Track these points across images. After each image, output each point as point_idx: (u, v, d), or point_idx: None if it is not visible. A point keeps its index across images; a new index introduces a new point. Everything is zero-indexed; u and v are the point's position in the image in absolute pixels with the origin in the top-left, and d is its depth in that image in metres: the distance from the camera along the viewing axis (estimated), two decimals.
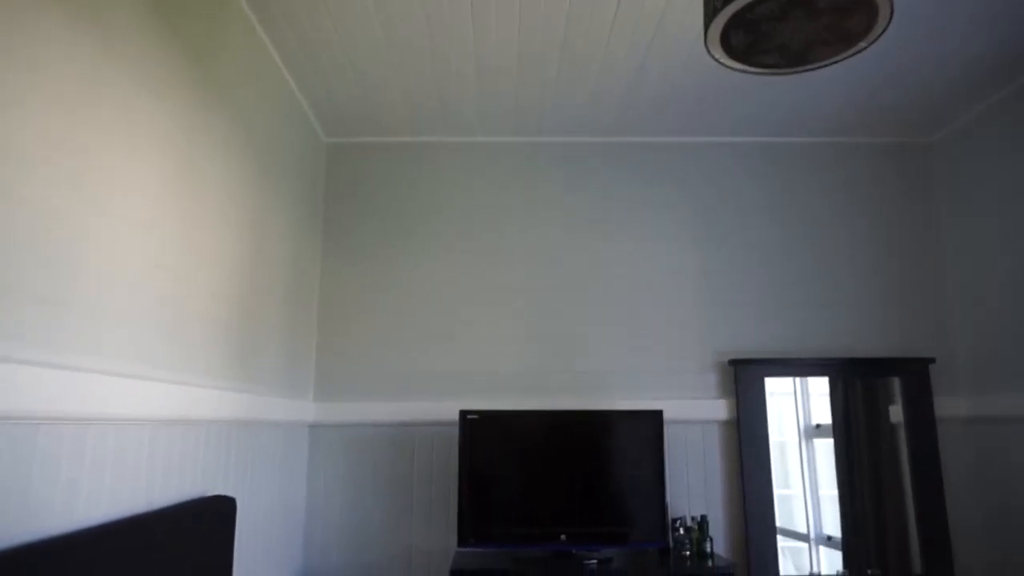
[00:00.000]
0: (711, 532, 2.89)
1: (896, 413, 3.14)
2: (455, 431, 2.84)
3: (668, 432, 2.94)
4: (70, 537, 1.29)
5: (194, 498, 1.88)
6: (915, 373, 3.15)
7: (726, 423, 3.15)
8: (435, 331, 3.21)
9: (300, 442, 3.02)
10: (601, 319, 3.24)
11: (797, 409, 3.21)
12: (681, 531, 2.85)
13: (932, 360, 3.15)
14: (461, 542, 2.74)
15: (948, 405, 3.14)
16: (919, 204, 3.38)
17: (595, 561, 2.70)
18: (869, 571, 2.97)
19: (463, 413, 2.84)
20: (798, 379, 3.22)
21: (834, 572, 3.01)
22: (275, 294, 2.67)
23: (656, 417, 2.89)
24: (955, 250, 3.29)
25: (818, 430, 3.18)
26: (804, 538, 3.11)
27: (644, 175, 3.38)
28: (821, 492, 3.13)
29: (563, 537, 2.76)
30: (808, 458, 3.17)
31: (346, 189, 3.35)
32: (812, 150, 3.42)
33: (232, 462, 2.24)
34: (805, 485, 3.15)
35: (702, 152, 3.41)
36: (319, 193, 3.30)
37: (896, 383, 3.17)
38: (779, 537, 3.04)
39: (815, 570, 3.03)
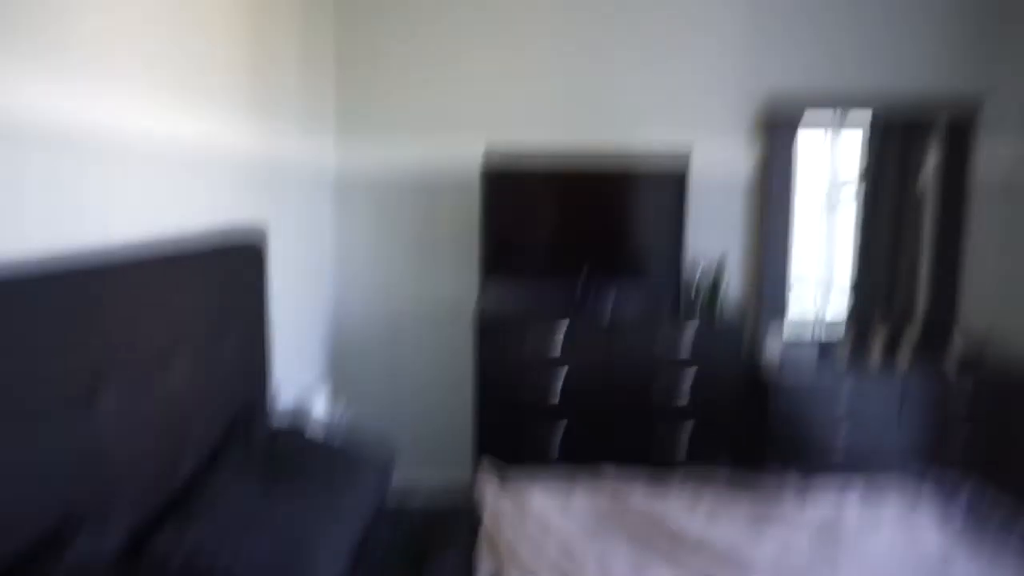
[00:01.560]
0: (727, 274, 2.95)
1: (932, 158, 3.01)
2: (478, 175, 2.80)
3: (696, 174, 2.86)
4: (112, 252, 1.32)
5: (227, 227, 1.91)
6: (960, 118, 2.96)
7: (754, 168, 3.06)
8: (458, 65, 3.04)
9: (325, 190, 3.01)
10: (633, 49, 3.02)
11: (827, 165, 3.09)
12: (698, 273, 2.91)
13: (981, 102, 2.94)
14: (485, 275, 2.81)
15: (992, 149, 2.99)
16: None
17: (610, 308, 2.79)
18: (875, 309, 3.06)
19: (486, 155, 2.77)
20: (830, 134, 3.06)
21: (840, 317, 3.11)
22: (290, 22, 2.49)
23: (682, 159, 2.81)
24: None
25: (843, 188, 3.10)
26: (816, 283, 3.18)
27: None
28: (838, 242, 3.13)
29: (585, 270, 2.83)
30: (829, 213, 3.13)
31: None
32: None
33: (260, 200, 2.25)
34: (825, 235, 3.14)
35: None
36: None
37: (937, 129, 2.99)
38: (791, 283, 3.10)
39: (821, 313, 3.13)
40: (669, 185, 2.83)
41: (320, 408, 2.33)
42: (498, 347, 2.69)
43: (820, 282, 3.17)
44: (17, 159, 1.16)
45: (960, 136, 2.97)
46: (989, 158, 3.01)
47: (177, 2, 1.69)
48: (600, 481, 2.03)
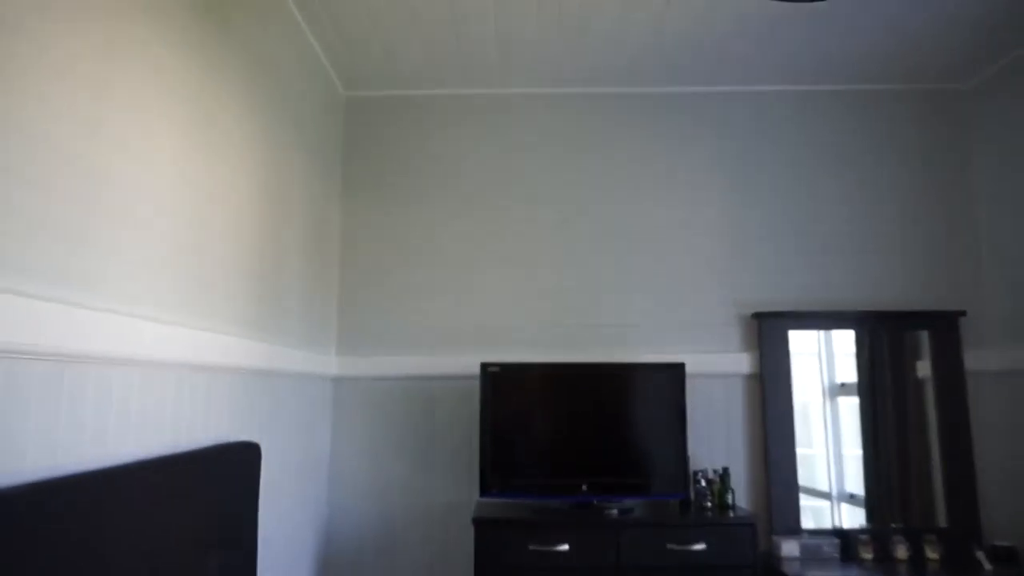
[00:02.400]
0: (733, 485, 2.88)
1: (924, 368, 3.09)
2: (476, 384, 2.85)
3: (690, 385, 2.92)
4: (99, 473, 1.31)
5: (220, 443, 1.91)
6: (945, 326, 3.09)
7: (749, 377, 3.12)
8: (456, 284, 3.21)
9: (324, 395, 3.05)
10: (623, 271, 3.20)
11: (821, 367, 3.16)
12: (703, 483, 2.85)
13: (963, 313, 3.08)
14: (483, 491, 2.76)
15: (978, 359, 3.08)
16: (952, 152, 3.27)
17: (616, 511, 2.71)
18: (893, 525, 2.96)
19: (484, 366, 2.84)
20: (822, 337, 3.17)
21: (856, 527, 2.99)
22: (296, 247, 2.68)
23: (678, 370, 2.86)
24: (988, 200, 3.19)
25: (842, 389, 3.14)
26: (826, 496, 3.09)
27: (668, 126, 3.31)
28: (844, 451, 3.10)
29: (584, 488, 2.77)
30: (832, 416, 3.14)
31: (365, 143, 3.33)
32: (841, 98, 3.31)
33: (256, 411, 2.27)
34: (828, 443, 3.12)
35: (728, 101, 3.32)
36: (338, 147, 3.29)
37: (924, 337, 3.11)
38: (801, 495, 3.03)
39: (838, 526, 3.02)
40: (667, 392, 2.85)
41: None
42: (499, 557, 2.55)
43: (832, 490, 3.08)
44: (17, 377, 1.19)
45: (947, 343, 3.07)
46: (980, 361, 3.08)
47: (197, 236, 1.85)
48: None
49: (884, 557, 2.80)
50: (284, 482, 2.52)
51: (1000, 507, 2.97)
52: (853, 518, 3.04)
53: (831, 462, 3.11)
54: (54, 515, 1.14)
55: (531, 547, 2.56)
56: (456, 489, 3.04)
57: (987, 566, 2.67)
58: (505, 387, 2.85)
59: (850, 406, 3.11)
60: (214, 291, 1.95)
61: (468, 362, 3.01)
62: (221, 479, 1.80)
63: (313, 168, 2.89)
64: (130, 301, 1.52)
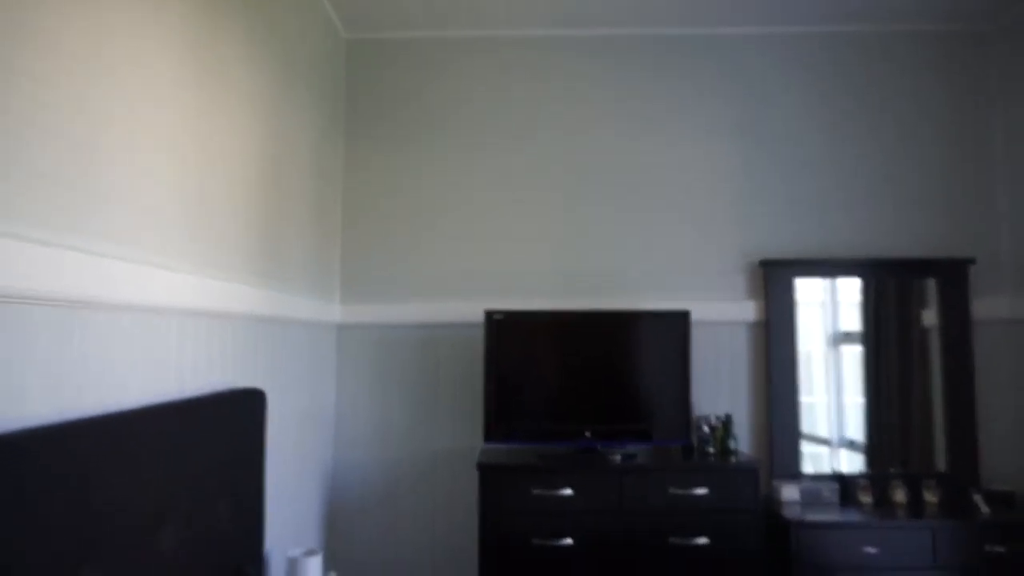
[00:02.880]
0: (735, 432, 2.91)
1: (930, 316, 3.08)
2: (480, 332, 2.85)
3: (695, 332, 2.91)
4: (105, 418, 1.31)
5: (225, 389, 1.92)
6: (953, 274, 3.06)
7: (754, 324, 3.11)
8: (460, 231, 3.18)
9: (328, 342, 3.06)
10: (631, 218, 3.17)
11: (825, 316, 3.15)
12: (705, 429, 2.87)
13: (972, 260, 3.05)
14: (488, 438, 2.79)
15: (987, 307, 3.06)
16: (971, 97, 3.18)
17: (619, 456, 2.74)
18: (892, 470, 2.99)
19: (488, 313, 2.84)
20: (828, 286, 3.14)
21: (856, 472, 3.03)
22: (298, 193, 2.64)
23: (683, 317, 2.86)
24: (1006, 146, 3.12)
25: (846, 337, 3.13)
26: (826, 443, 3.12)
27: (679, 69, 3.22)
28: (845, 399, 3.12)
29: (588, 434, 2.79)
30: (834, 364, 3.14)
31: (368, 87, 3.25)
32: (858, 40, 3.21)
33: (261, 358, 2.27)
34: (830, 391, 3.13)
35: (740, 44, 3.22)
36: (341, 91, 3.21)
37: (932, 285, 3.08)
38: (803, 442, 3.05)
39: (836, 467, 3.05)
40: (671, 340, 2.85)
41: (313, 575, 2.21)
42: (503, 501, 2.60)
43: (832, 436, 3.10)
44: (24, 323, 1.19)
45: (955, 291, 3.05)
46: (987, 309, 3.06)
47: (203, 181, 1.82)
48: None
49: (883, 501, 2.84)
50: (290, 429, 2.55)
51: (1000, 454, 3.00)
52: (852, 464, 3.07)
53: (832, 409, 3.13)
54: (59, 460, 1.14)
55: (535, 492, 2.60)
56: (461, 436, 3.07)
57: (984, 509, 2.70)
58: (509, 334, 2.85)
59: (853, 355, 3.11)
60: (218, 238, 1.93)
61: (473, 309, 3.01)
62: (227, 425, 1.81)
63: (315, 112, 2.83)
64: (135, 247, 1.50)
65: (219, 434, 1.76)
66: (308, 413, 2.79)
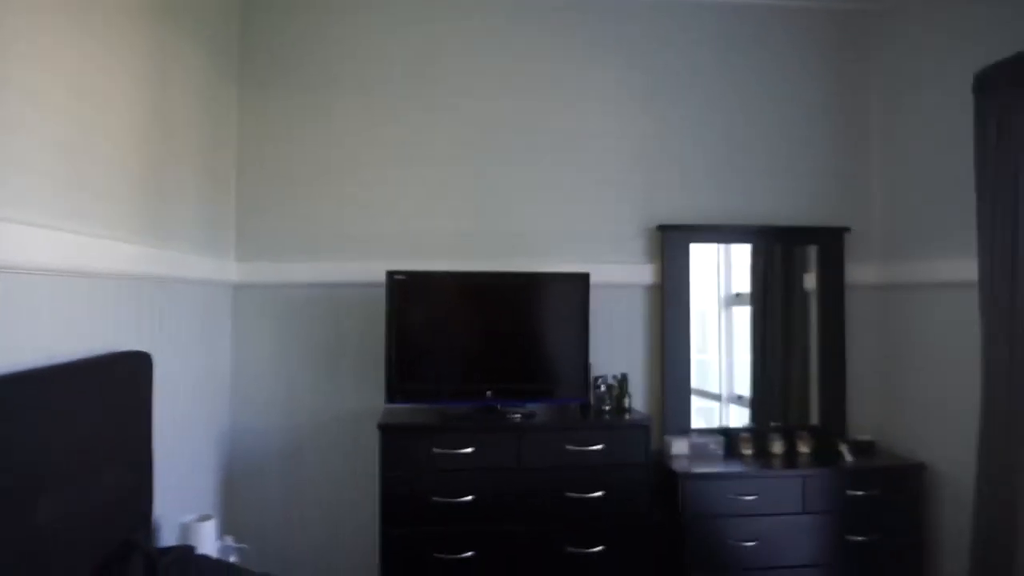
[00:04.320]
0: (631, 390, 3.03)
1: (810, 280, 3.29)
2: (382, 292, 2.81)
3: (595, 294, 2.98)
4: None
5: (105, 353, 1.82)
6: (831, 241, 3.27)
7: (650, 287, 3.23)
8: (363, 188, 3.11)
9: (223, 302, 2.95)
10: (532, 180, 3.19)
11: (719, 278, 3.31)
12: (602, 388, 2.98)
13: (847, 229, 3.27)
14: (389, 399, 2.79)
15: (859, 273, 3.29)
16: (853, 74, 3.37)
17: (519, 415, 2.81)
18: (772, 423, 3.21)
19: (390, 273, 2.81)
20: (721, 249, 3.30)
21: (741, 426, 3.23)
22: (188, 145, 2.50)
23: (583, 279, 2.93)
24: (880, 123, 3.33)
25: (737, 299, 3.30)
26: (717, 398, 3.31)
27: (582, 33, 3.23)
28: (736, 357, 3.30)
29: (489, 393, 2.84)
30: (726, 324, 3.32)
31: (265, 35, 3.09)
32: (755, 13, 3.32)
33: (148, 321, 2.17)
34: (721, 349, 3.31)
35: (643, 12, 3.26)
36: (234, 38, 3.03)
37: (813, 251, 3.29)
38: (694, 397, 3.22)
39: (728, 425, 3.25)
40: (571, 302, 2.92)
41: (207, 543, 2.16)
42: (404, 460, 2.63)
43: (722, 392, 3.30)
44: None
45: (832, 258, 3.26)
46: (860, 275, 3.30)
47: (75, 129, 1.69)
48: None
49: (762, 452, 3.05)
50: (181, 392, 2.45)
51: (866, 407, 3.27)
52: (740, 418, 3.28)
53: (723, 367, 3.32)
54: None
55: (436, 450, 2.64)
56: (364, 397, 3.05)
57: (848, 457, 2.96)
58: (411, 295, 2.84)
59: (743, 315, 3.29)
60: (92, 193, 1.81)
61: (375, 269, 2.96)
62: (108, 390, 1.73)
63: (206, 61, 2.67)
64: (17, 202, 1.38)
65: (99, 399, 1.67)
66: (202, 376, 2.69)
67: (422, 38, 3.16)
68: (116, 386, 1.78)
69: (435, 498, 2.63)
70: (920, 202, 3.08)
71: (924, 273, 3.02)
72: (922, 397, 3.03)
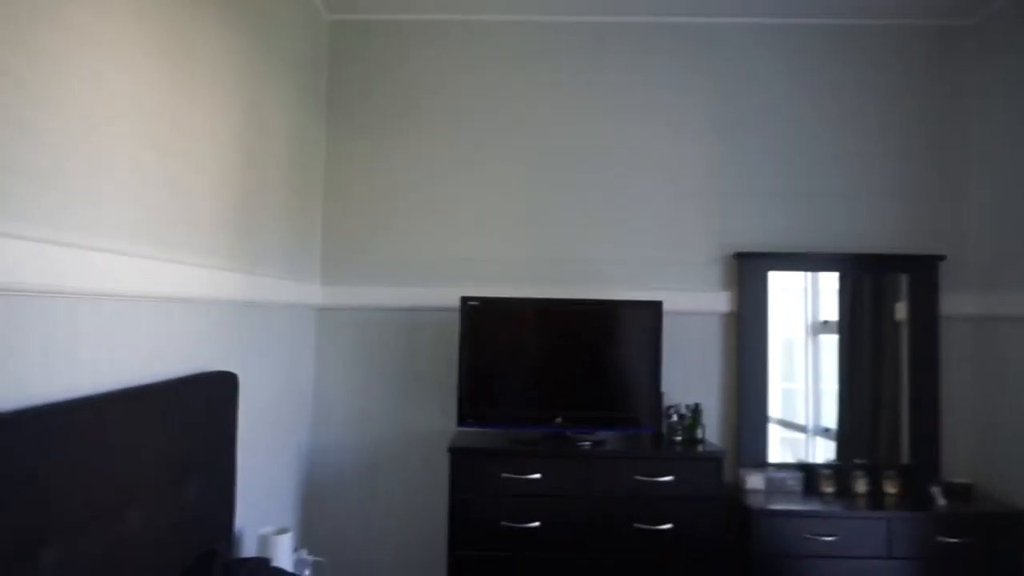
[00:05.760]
0: (704, 420, 2.97)
1: (902, 310, 3.13)
2: (457, 317, 2.89)
3: (669, 322, 2.95)
4: (73, 402, 1.36)
5: (196, 373, 1.96)
6: (924, 270, 3.10)
7: (726, 316, 3.16)
8: (441, 216, 3.21)
9: (307, 325, 3.10)
10: (607, 207, 3.19)
11: (806, 305, 3.20)
12: (675, 418, 2.93)
13: (943, 257, 3.09)
14: (461, 421, 2.85)
15: (955, 303, 3.11)
16: (945, 93, 3.20)
17: (588, 443, 2.80)
18: (857, 460, 3.06)
19: (464, 299, 2.88)
20: (809, 275, 3.19)
21: (825, 461, 3.10)
22: (278, 176, 2.66)
23: (656, 307, 2.90)
24: (980, 144, 3.14)
25: (825, 326, 3.18)
26: (803, 429, 3.19)
27: (658, 58, 3.23)
28: (823, 386, 3.18)
29: (559, 420, 2.85)
30: (813, 353, 3.20)
31: (350, 69, 3.26)
32: (835, 33, 3.21)
33: (237, 342, 2.31)
34: (808, 378, 3.20)
35: (720, 34, 3.23)
36: (322, 72, 3.22)
37: (904, 280, 3.13)
38: (780, 428, 3.12)
39: (811, 459, 3.13)
40: (644, 329, 2.90)
41: (283, 556, 2.27)
42: (473, 483, 2.67)
43: (808, 423, 3.18)
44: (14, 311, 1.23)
45: (925, 287, 3.09)
46: (955, 306, 3.11)
47: (175, 170, 1.85)
48: None
49: (844, 491, 2.91)
50: (266, 410, 2.60)
51: (961, 447, 3.07)
52: (826, 451, 3.14)
53: (810, 396, 3.20)
54: (14, 444, 1.18)
55: (504, 475, 2.67)
56: (436, 419, 3.12)
57: (940, 501, 2.78)
58: (484, 321, 2.89)
59: (832, 343, 3.16)
60: (188, 223, 1.96)
61: (450, 294, 3.04)
62: (197, 407, 1.86)
63: (296, 94, 2.85)
64: (97, 236, 1.53)
65: (188, 416, 1.80)
66: (285, 394, 2.84)
67: (500, 69, 3.24)
68: (204, 404, 1.91)
69: (503, 522, 2.65)
70: (1022, 228, 2.88)
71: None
72: None
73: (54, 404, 1.32)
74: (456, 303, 2.92)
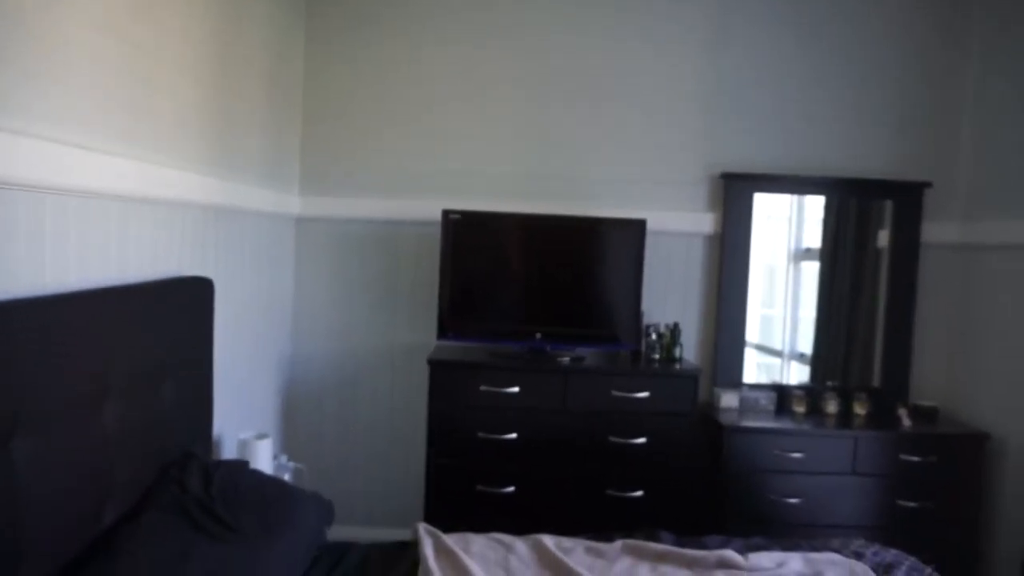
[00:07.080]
0: (682, 340, 3.00)
1: (884, 238, 3.13)
2: (439, 230, 2.85)
3: (652, 241, 2.93)
4: (36, 300, 1.32)
5: (170, 277, 1.93)
6: (909, 196, 3.09)
7: (710, 237, 3.15)
8: (424, 127, 3.12)
9: (286, 235, 3.05)
10: (594, 123, 3.12)
11: (790, 233, 3.19)
12: (653, 336, 2.96)
13: (928, 184, 3.07)
14: (440, 335, 2.86)
15: (937, 231, 3.11)
16: (946, 22, 3.10)
17: (567, 358, 2.83)
18: (829, 383, 3.12)
19: (446, 212, 2.84)
20: (794, 202, 3.17)
21: (793, 384, 3.16)
22: (256, 79, 2.56)
23: (639, 225, 2.88)
24: (975, 75, 3.08)
25: (807, 253, 3.19)
26: (779, 354, 3.24)
27: None
28: (802, 313, 3.21)
29: (539, 335, 2.87)
30: (794, 279, 3.21)
31: None
32: None
33: (212, 248, 2.27)
34: (787, 305, 3.22)
35: None
36: None
37: (889, 207, 3.12)
38: (755, 352, 3.17)
39: (785, 382, 3.18)
40: (627, 247, 2.88)
41: (263, 460, 2.30)
42: (452, 397, 2.71)
43: (784, 348, 3.23)
44: None
45: (908, 214, 3.09)
46: (937, 233, 3.12)
47: (144, 64, 1.75)
48: (540, 547, 2.00)
49: (815, 411, 2.99)
50: (243, 318, 2.58)
51: (932, 372, 3.14)
52: (801, 375, 3.21)
53: (788, 323, 3.23)
54: None
55: (482, 388, 2.70)
56: (416, 332, 3.13)
57: (906, 422, 2.86)
58: (466, 234, 2.86)
59: (813, 271, 3.17)
60: (163, 123, 1.88)
61: (433, 207, 2.99)
62: (171, 310, 1.83)
63: None
64: (65, 129, 1.46)
65: (162, 319, 1.78)
66: (265, 304, 2.81)
67: None
68: (178, 308, 1.88)
69: (480, 433, 2.70)
70: (1011, 157, 2.86)
71: (1009, 233, 2.82)
72: (994, 365, 2.88)
73: (21, 299, 1.28)
74: (437, 216, 2.87)
